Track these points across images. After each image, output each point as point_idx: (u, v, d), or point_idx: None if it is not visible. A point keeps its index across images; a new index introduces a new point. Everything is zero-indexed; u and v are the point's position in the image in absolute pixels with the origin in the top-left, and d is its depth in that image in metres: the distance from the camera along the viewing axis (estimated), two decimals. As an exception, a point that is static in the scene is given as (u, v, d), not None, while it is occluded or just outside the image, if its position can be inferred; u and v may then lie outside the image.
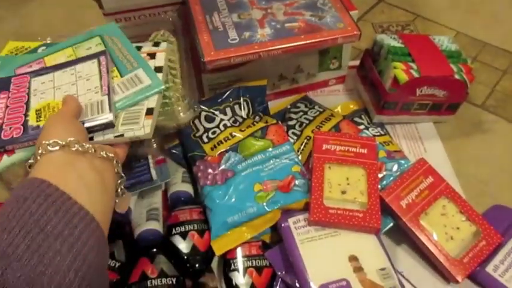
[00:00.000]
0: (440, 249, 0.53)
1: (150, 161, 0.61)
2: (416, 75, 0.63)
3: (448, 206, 0.56)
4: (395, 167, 0.59)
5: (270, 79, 0.71)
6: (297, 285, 0.50)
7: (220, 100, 0.66)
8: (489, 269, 0.54)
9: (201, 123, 0.65)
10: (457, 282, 0.53)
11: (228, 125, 0.63)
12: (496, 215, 0.59)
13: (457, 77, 0.64)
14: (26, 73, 0.54)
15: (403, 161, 0.59)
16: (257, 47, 0.57)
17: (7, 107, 0.50)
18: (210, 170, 0.59)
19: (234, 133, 0.61)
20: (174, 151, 0.65)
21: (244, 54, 0.57)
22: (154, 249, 0.53)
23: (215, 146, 0.61)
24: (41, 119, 0.48)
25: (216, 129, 0.63)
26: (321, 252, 0.51)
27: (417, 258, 0.57)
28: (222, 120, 0.64)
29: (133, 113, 0.49)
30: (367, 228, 0.52)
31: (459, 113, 0.71)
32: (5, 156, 0.47)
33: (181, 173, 0.63)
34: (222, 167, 0.58)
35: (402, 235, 0.57)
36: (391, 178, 0.58)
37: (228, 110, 0.66)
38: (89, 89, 0.50)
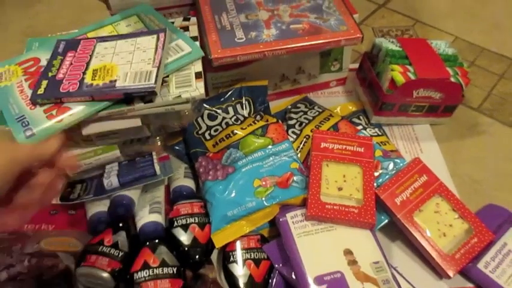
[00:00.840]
0: (433, 245, 0.55)
1: (154, 157, 0.63)
2: (413, 77, 0.65)
3: (441, 204, 0.58)
4: (391, 166, 0.61)
5: (272, 79, 0.73)
6: (293, 277, 0.52)
7: (222, 99, 0.68)
8: (480, 265, 0.55)
9: (203, 121, 0.67)
10: (448, 277, 0.55)
11: (230, 123, 0.65)
12: (489, 213, 0.61)
13: (453, 79, 0.66)
14: (94, 37, 0.61)
15: (398, 160, 0.61)
16: (262, 46, 0.60)
17: (71, 64, 0.57)
18: (211, 166, 0.61)
19: (235, 131, 0.63)
20: (177, 148, 0.67)
21: (249, 53, 0.59)
22: (156, 240, 0.55)
23: (217, 143, 0.63)
24: (95, 78, 0.54)
25: (218, 127, 0.66)
26: (317, 246, 0.53)
27: (411, 254, 0.58)
28: (224, 118, 0.66)
29: (184, 77, 0.56)
30: (362, 223, 0.54)
31: (455, 116, 0.73)
32: (66, 115, 0.53)
33: (184, 168, 0.65)
34: (223, 163, 0.60)
35: (396, 231, 0.59)
36: (387, 176, 0.60)
37: (230, 108, 0.68)
38: (143, 59, 0.56)
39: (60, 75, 0.56)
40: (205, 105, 0.67)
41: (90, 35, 0.64)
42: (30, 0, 1.01)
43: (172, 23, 0.65)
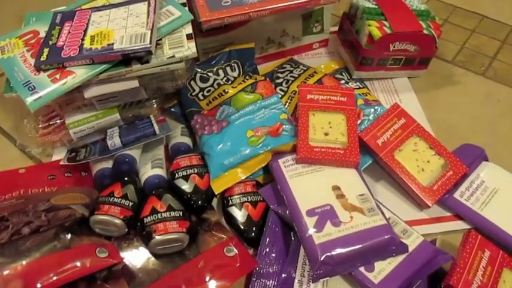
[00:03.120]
0: (412, 179, 0.61)
1: (152, 118, 0.68)
2: (389, 31, 0.70)
3: (419, 143, 0.64)
4: (372, 112, 0.66)
5: (259, 43, 0.77)
6: (288, 215, 0.57)
7: (213, 62, 0.73)
8: (456, 195, 0.61)
9: (196, 83, 0.71)
10: (428, 207, 0.60)
11: (221, 83, 0.70)
12: (463, 152, 0.66)
13: (425, 32, 0.71)
14: (88, 8, 0.66)
15: (378, 107, 0.66)
16: (247, 8, 0.64)
17: (69, 32, 0.62)
18: (206, 122, 0.65)
19: (226, 89, 0.68)
20: (173, 110, 0.71)
21: (236, 15, 0.64)
22: (161, 189, 0.59)
23: (210, 102, 0.68)
24: (94, 43, 0.59)
25: (210, 88, 0.70)
26: (307, 185, 0.58)
27: (393, 191, 0.64)
28: (215, 80, 0.71)
29: (176, 39, 0.61)
30: (348, 162, 0.59)
31: (431, 69, 0.78)
32: (69, 78, 0.57)
33: (180, 128, 0.70)
34: (217, 118, 0.65)
35: (379, 172, 0.65)
36: (369, 122, 0.65)
37: (220, 71, 0.72)
38: (136, 23, 0.61)
39: (60, 43, 0.60)
40: (197, 68, 0.71)
41: (84, 7, 0.68)
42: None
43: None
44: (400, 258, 0.53)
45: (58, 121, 0.66)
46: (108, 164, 0.64)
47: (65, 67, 0.58)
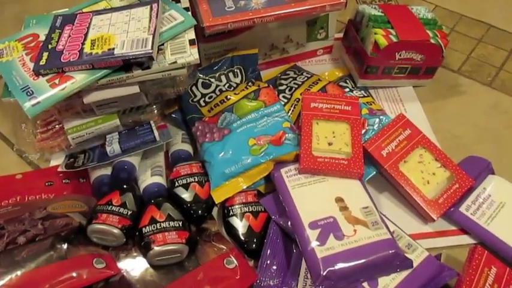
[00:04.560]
0: (417, 191, 0.59)
1: (153, 125, 0.66)
2: (395, 40, 0.69)
3: (424, 155, 0.62)
4: (376, 122, 0.65)
5: (262, 49, 0.76)
6: (290, 225, 0.56)
7: (215, 68, 0.71)
8: (462, 208, 0.60)
9: (198, 89, 0.70)
10: (433, 220, 0.59)
11: (224, 89, 0.69)
12: (469, 164, 0.65)
13: (432, 41, 0.70)
14: (89, 11, 0.65)
15: (383, 117, 0.65)
16: (251, 13, 0.63)
17: (69, 36, 0.60)
18: (207, 129, 0.64)
19: (229, 96, 0.67)
20: (174, 116, 0.70)
21: (239, 20, 0.63)
22: (161, 198, 0.58)
23: (212, 108, 0.67)
24: (94, 47, 0.57)
25: (212, 94, 0.69)
26: (310, 196, 0.57)
27: (397, 203, 0.63)
28: (217, 86, 0.70)
29: (179, 45, 0.59)
30: (352, 173, 0.58)
31: (437, 78, 0.77)
32: (68, 83, 0.56)
33: (181, 134, 0.69)
34: (219, 125, 0.64)
35: (383, 184, 0.64)
36: (373, 132, 0.64)
37: (222, 77, 0.71)
38: (138, 28, 0.59)
39: (60, 47, 0.59)
40: (199, 74, 0.70)
41: (85, 10, 0.67)
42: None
43: (164, -5, 0.68)
44: (404, 273, 0.52)
45: (57, 126, 0.65)
46: (107, 171, 0.63)
47: (65, 72, 0.57)
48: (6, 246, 0.53)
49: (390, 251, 0.51)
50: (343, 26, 0.89)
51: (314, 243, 0.51)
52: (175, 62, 0.58)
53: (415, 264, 0.52)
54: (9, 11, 0.98)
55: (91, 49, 0.57)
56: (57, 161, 0.68)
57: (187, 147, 0.67)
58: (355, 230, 0.52)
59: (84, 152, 0.67)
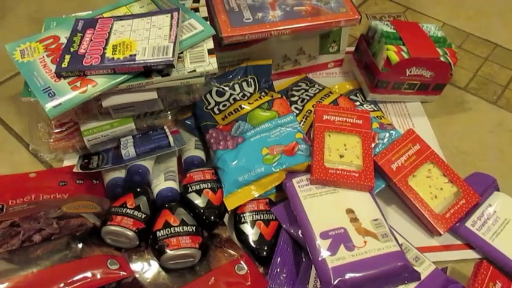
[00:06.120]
0: (425, 206, 0.61)
1: (166, 130, 0.68)
2: (406, 56, 0.70)
3: (432, 170, 0.64)
4: (386, 136, 0.66)
5: (275, 59, 0.77)
6: (300, 235, 0.57)
7: (230, 77, 0.73)
8: (468, 224, 0.61)
9: (212, 97, 0.71)
10: (439, 234, 0.60)
11: (238, 98, 0.70)
12: (475, 180, 0.67)
13: (442, 59, 0.72)
14: (110, 17, 0.66)
15: (393, 132, 0.67)
16: (269, 26, 0.65)
17: (91, 40, 0.62)
18: (221, 137, 0.65)
19: (243, 105, 0.68)
20: (187, 122, 0.71)
21: (257, 32, 0.64)
22: (174, 203, 0.59)
23: (226, 117, 0.68)
24: (116, 52, 0.59)
25: (226, 102, 0.70)
26: (321, 206, 0.58)
27: (405, 216, 0.64)
28: (231, 94, 0.71)
29: (198, 54, 0.60)
30: (362, 186, 0.59)
31: (444, 94, 0.78)
32: (89, 86, 0.57)
33: (194, 141, 0.70)
34: (233, 134, 0.65)
35: (392, 196, 0.65)
36: (383, 146, 0.65)
37: (236, 86, 0.73)
38: (159, 35, 0.61)
39: (82, 50, 0.60)
40: (214, 82, 0.72)
41: (105, 15, 0.68)
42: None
43: (183, 4, 0.70)
44: (411, 285, 0.53)
45: (72, 127, 0.66)
46: (121, 174, 0.64)
47: (86, 75, 0.58)
48: (22, 243, 0.54)
49: (399, 263, 0.52)
50: (354, 40, 0.91)
51: (325, 253, 0.52)
52: (194, 71, 0.59)
53: (422, 277, 0.53)
54: (22, 10, 0.99)
55: (113, 54, 0.59)
56: (70, 161, 0.69)
57: (200, 154, 0.68)
58: (365, 242, 0.54)
59: (98, 153, 0.68)
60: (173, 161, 0.67)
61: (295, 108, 0.72)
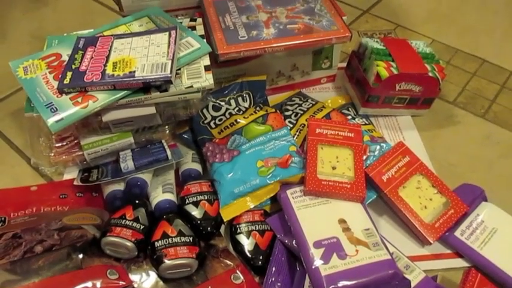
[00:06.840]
0: (415, 216, 0.63)
1: (164, 143, 0.70)
2: (395, 72, 0.73)
3: (422, 181, 0.66)
4: (377, 149, 0.68)
5: (269, 75, 0.80)
6: (294, 244, 0.59)
7: (225, 92, 0.75)
8: (457, 233, 0.63)
9: (208, 112, 0.73)
10: (429, 243, 0.62)
11: (233, 113, 0.72)
12: (464, 191, 0.69)
13: (430, 74, 0.74)
14: (110, 35, 0.68)
15: (384, 144, 0.69)
16: (263, 43, 0.67)
17: (92, 57, 0.64)
18: (217, 150, 0.67)
19: (238, 119, 0.70)
20: (185, 136, 0.73)
21: (252, 49, 0.67)
22: (172, 214, 0.61)
23: (222, 130, 0.70)
24: (116, 69, 0.61)
25: (222, 117, 0.73)
26: (314, 217, 0.60)
27: (396, 226, 0.66)
28: (227, 109, 0.73)
29: (195, 70, 0.63)
30: (354, 196, 0.61)
31: (434, 108, 0.81)
32: (90, 102, 0.59)
33: (191, 154, 0.72)
34: (229, 147, 0.67)
35: (383, 207, 0.67)
36: (374, 158, 0.68)
37: (232, 101, 0.75)
38: (157, 53, 0.63)
39: (83, 67, 0.62)
40: (210, 98, 0.74)
41: (106, 33, 0.71)
42: (37, 3, 1.07)
43: (181, 23, 0.72)
44: (402, 293, 0.55)
45: (73, 142, 0.68)
46: (120, 186, 0.66)
47: (87, 91, 0.60)
48: (23, 254, 0.55)
49: (390, 271, 0.54)
50: (346, 56, 0.94)
51: (318, 262, 0.54)
52: (191, 86, 0.62)
53: (412, 285, 0.55)
54: (24, 27, 1.02)
55: (113, 71, 0.61)
56: (70, 174, 0.71)
57: (197, 166, 0.70)
58: (357, 250, 0.55)
59: (97, 167, 0.70)
60: (171, 174, 0.69)
61: (289, 122, 0.75)
